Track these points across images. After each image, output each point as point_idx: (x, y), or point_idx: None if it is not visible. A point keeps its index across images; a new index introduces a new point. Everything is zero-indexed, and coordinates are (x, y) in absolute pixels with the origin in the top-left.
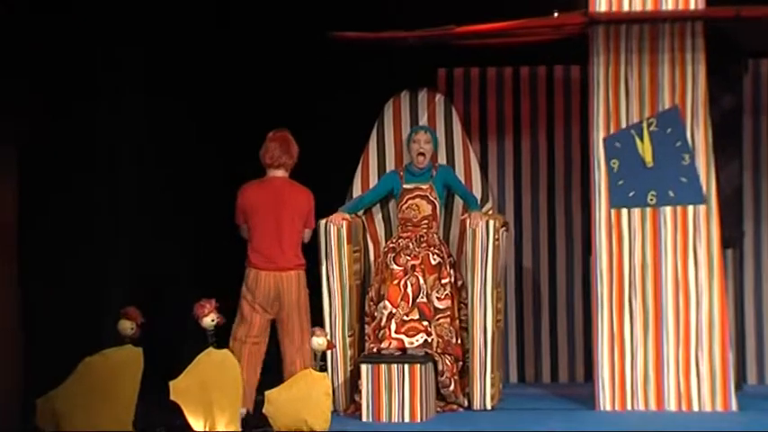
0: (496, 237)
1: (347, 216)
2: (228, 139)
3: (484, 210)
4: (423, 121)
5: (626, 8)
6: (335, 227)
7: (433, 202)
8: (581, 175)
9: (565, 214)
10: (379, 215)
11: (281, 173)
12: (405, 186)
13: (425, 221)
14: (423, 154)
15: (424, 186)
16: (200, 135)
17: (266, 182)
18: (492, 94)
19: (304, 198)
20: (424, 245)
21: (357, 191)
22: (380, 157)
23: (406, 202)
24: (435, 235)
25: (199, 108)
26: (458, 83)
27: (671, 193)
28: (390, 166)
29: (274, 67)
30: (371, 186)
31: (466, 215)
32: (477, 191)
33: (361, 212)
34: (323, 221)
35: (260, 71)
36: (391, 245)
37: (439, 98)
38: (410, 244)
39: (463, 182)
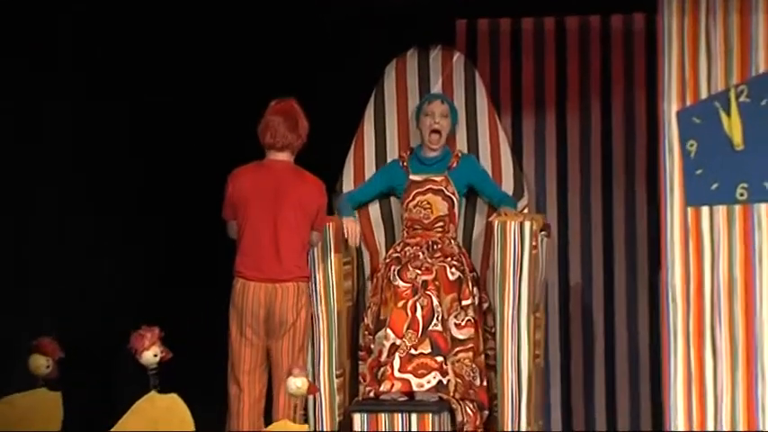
0: (534, 244)
1: (357, 227)
2: (209, 119)
3: (518, 208)
4: (436, 88)
5: None
6: (331, 229)
7: (449, 198)
8: (646, 163)
9: (625, 215)
10: (377, 214)
11: (284, 156)
12: (412, 178)
13: (440, 224)
14: (437, 131)
15: (437, 178)
16: (178, 115)
17: (265, 167)
18: (528, 52)
19: (314, 190)
20: (439, 255)
21: (348, 185)
22: (379, 139)
23: (413, 199)
24: (453, 241)
25: (175, 81)
26: (483, 38)
27: None
28: (392, 150)
29: (256, 28)
30: (366, 176)
31: (494, 215)
32: (508, 183)
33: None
34: None
35: (238, 32)
36: (395, 254)
37: (458, 59)
38: (420, 253)
39: (490, 171)
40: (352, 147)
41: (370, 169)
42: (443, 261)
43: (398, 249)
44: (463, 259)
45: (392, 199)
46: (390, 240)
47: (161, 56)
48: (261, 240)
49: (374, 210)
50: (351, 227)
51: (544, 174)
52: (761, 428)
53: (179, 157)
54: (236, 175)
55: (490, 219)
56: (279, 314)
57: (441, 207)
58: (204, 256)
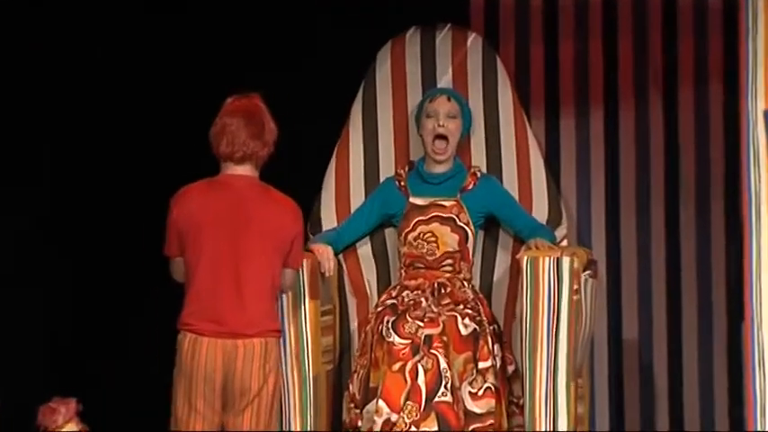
0: (575, 287)
1: (329, 248)
2: (143, 125)
3: (555, 240)
4: (444, 81)
5: None
6: (305, 267)
7: (462, 229)
8: (724, 176)
9: (697, 246)
10: (367, 248)
11: (246, 170)
12: (413, 201)
13: (449, 262)
14: (443, 137)
15: (446, 203)
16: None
17: (220, 185)
18: (567, 34)
19: (287, 215)
20: (448, 301)
21: (328, 215)
22: (369, 149)
23: (414, 229)
24: (467, 284)
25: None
26: (506, 14)
27: None
28: (387, 164)
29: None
30: (352, 202)
31: (523, 250)
32: (540, 208)
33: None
34: None
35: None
36: (390, 301)
37: (473, 42)
38: (423, 300)
39: (516, 191)
40: (333, 160)
41: (357, 191)
42: (453, 310)
43: (394, 294)
44: (480, 308)
45: (387, 232)
46: (384, 283)
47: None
48: (218, 282)
49: (362, 243)
50: (322, 251)
51: (589, 194)
52: None
53: (100, 178)
54: (182, 197)
55: (518, 255)
56: (240, 380)
57: (450, 240)
58: (135, 305)
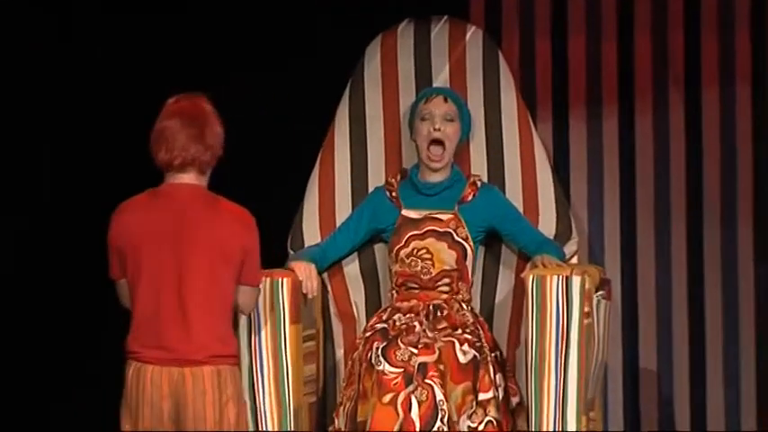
0: (587, 309)
1: (312, 266)
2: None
3: (564, 257)
4: (440, 80)
5: None
6: (286, 287)
7: (460, 245)
8: (753, 188)
9: (722, 265)
10: (354, 267)
11: (189, 178)
12: (406, 214)
13: (446, 281)
14: (439, 142)
15: (443, 216)
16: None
17: (162, 196)
18: (578, 27)
19: (236, 225)
20: (445, 326)
21: (310, 223)
22: (357, 155)
23: (407, 245)
24: (465, 307)
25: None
26: (510, 5)
27: None
28: (377, 173)
29: None
30: (338, 214)
31: (528, 267)
32: (547, 220)
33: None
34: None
35: None
36: (380, 325)
37: (473, 35)
38: (417, 323)
39: (521, 203)
40: (316, 168)
41: (343, 203)
42: (451, 335)
43: (385, 318)
44: (480, 333)
45: (376, 248)
46: (373, 305)
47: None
48: (160, 304)
49: (349, 261)
50: (304, 269)
51: (601, 206)
52: None
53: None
54: (120, 213)
55: (522, 274)
56: (193, 413)
57: (447, 258)
58: (78, 336)
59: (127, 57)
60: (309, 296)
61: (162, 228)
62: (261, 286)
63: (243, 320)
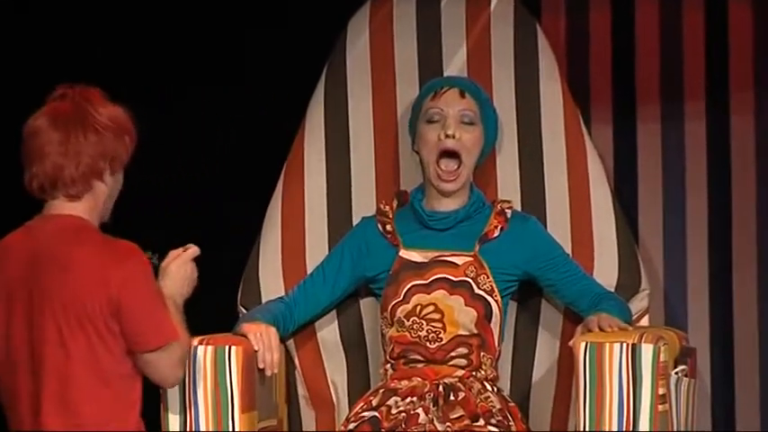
0: (662, 390)
1: (272, 329)
2: None
3: (630, 317)
4: (454, 66)
5: None
6: (234, 360)
7: (482, 299)
8: None
9: None
10: (332, 331)
11: (61, 205)
12: (405, 256)
13: (462, 351)
14: (454, 153)
15: (458, 259)
16: None
17: (28, 232)
18: None
19: (99, 271)
20: (461, 414)
21: (269, 269)
22: (335, 168)
23: (407, 300)
24: (490, 387)
25: None
26: None
27: None
28: (363, 194)
29: None
30: (308, 256)
31: (579, 331)
32: (606, 264)
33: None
34: (196, 342)
35: None
36: (368, 413)
37: (501, 2)
38: (421, 411)
39: (568, 239)
40: (279, 190)
41: (316, 240)
42: (470, 428)
43: (375, 403)
44: (512, 424)
45: (362, 299)
46: (359, 384)
47: None
48: (18, 384)
49: (327, 322)
50: (260, 334)
51: (683, 244)
52: None
53: None
54: None
55: (571, 341)
56: None
57: (463, 318)
58: None
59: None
60: (268, 373)
61: (15, 279)
62: (176, 345)
63: (174, 404)
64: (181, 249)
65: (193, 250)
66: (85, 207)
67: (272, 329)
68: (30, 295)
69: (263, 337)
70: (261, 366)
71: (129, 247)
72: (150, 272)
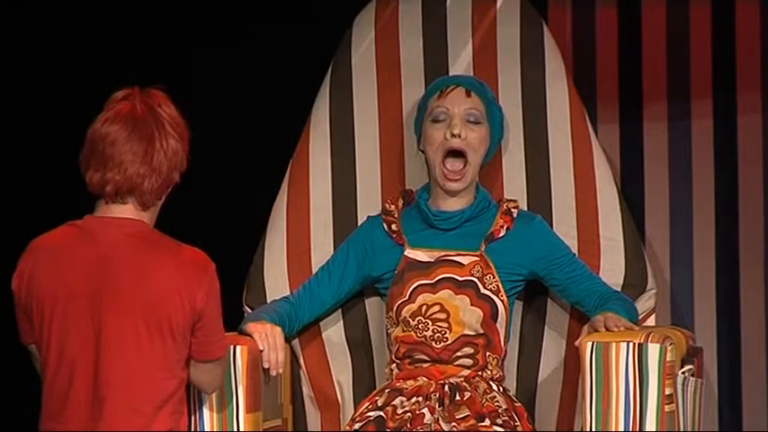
0: (668, 390)
1: (277, 329)
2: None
3: (637, 316)
4: (460, 64)
5: None
6: (240, 360)
7: (488, 299)
8: None
9: None
10: (337, 330)
11: (126, 210)
12: (411, 255)
13: (468, 351)
14: (460, 153)
15: (463, 259)
16: None
17: (83, 233)
18: None
19: (180, 279)
20: (466, 414)
21: (275, 269)
22: (340, 168)
23: (412, 299)
24: (496, 386)
25: None
26: None
27: None
28: (368, 195)
29: None
30: (314, 256)
31: (585, 330)
32: (612, 263)
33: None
34: None
35: None
36: (373, 413)
37: (507, 1)
38: (426, 410)
39: (575, 238)
40: (283, 191)
41: (321, 240)
42: (475, 427)
43: (380, 403)
44: (517, 424)
45: (367, 299)
46: (364, 384)
47: None
48: (71, 384)
49: (331, 322)
50: (265, 333)
51: (690, 243)
52: None
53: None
54: (30, 254)
55: (577, 341)
56: None
57: (469, 318)
58: None
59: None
60: (273, 373)
61: (78, 280)
62: (225, 356)
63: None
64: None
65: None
66: (150, 215)
67: (277, 329)
68: (97, 297)
69: (267, 337)
70: (266, 366)
71: (206, 258)
72: (215, 283)
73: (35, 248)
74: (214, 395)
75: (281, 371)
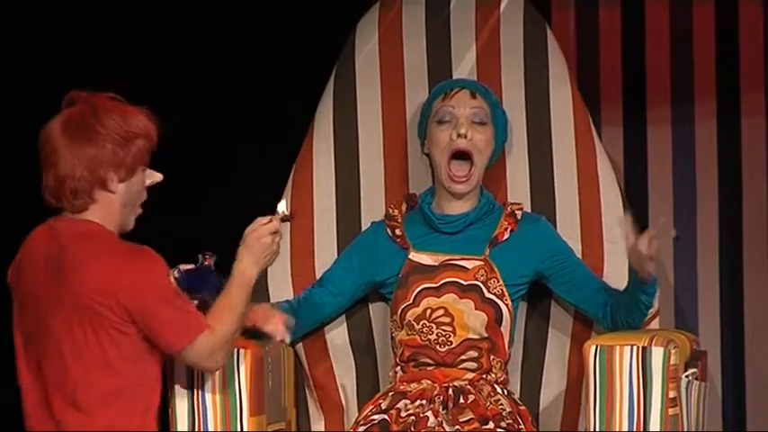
0: (672, 393)
1: (265, 304)
2: None
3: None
4: (464, 67)
5: None
6: (244, 361)
7: (493, 303)
8: None
9: None
10: (340, 334)
11: (66, 217)
12: (415, 259)
13: (472, 355)
14: (465, 155)
15: (468, 263)
16: None
17: (55, 230)
18: None
19: (108, 275)
20: (470, 417)
21: (279, 273)
22: (344, 172)
23: (417, 303)
24: (500, 390)
25: None
26: None
27: None
28: (372, 198)
29: None
30: (317, 259)
31: (639, 247)
32: (615, 266)
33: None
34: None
35: None
36: (377, 416)
37: (511, 3)
38: (430, 414)
39: (578, 241)
40: (287, 191)
41: (325, 243)
42: (479, 429)
43: (384, 406)
44: (522, 427)
45: (372, 303)
46: (367, 388)
47: None
48: (33, 382)
49: (335, 325)
50: (263, 312)
51: (693, 246)
52: None
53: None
54: (21, 249)
55: (585, 344)
56: None
57: (473, 322)
58: None
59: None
60: (285, 340)
61: (37, 278)
62: (204, 337)
63: (183, 407)
64: (267, 218)
65: (275, 224)
66: (99, 216)
67: (264, 304)
68: (46, 295)
69: (269, 316)
70: (277, 336)
71: (139, 252)
72: (162, 273)
73: (25, 242)
74: (218, 398)
75: (286, 340)
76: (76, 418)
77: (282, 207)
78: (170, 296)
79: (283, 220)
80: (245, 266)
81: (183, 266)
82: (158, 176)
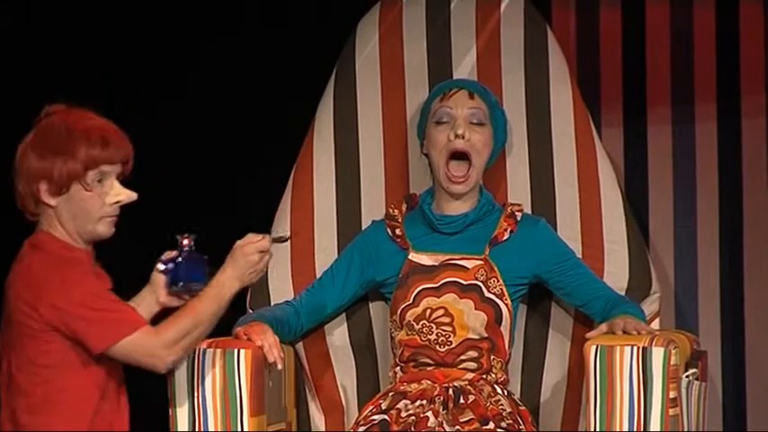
0: (672, 394)
1: (264, 328)
2: None
3: (644, 319)
4: (464, 67)
5: None
6: (244, 363)
7: (492, 303)
8: None
9: None
10: (341, 334)
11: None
12: (414, 259)
13: (472, 354)
14: (464, 155)
15: (468, 263)
16: None
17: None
18: None
19: (24, 282)
20: (470, 417)
21: (279, 272)
22: (344, 172)
23: (416, 303)
24: (500, 390)
25: None
26: None
27: None
28: (373, 199)
29: None
30: (317, 260)
31: (591, 334)
32: (616, 266)
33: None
34: (204, 346)
35: None
36: (377, 416)
37: (511, 3)
38: (430, 414)
39: (578, 242)
40: (287, 195)
41: (325, 244)
42: (479, 429)
43: (385, 407)
44: (522, 427)
45: (372, 303)
46: (368, 388)
47: None
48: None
49: (335, 326)
50: (260, 332)
51: (694, 246)
52: None
53: None
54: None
55: (589, 334)
56: None
57: (473, 322)
58: None
59: None
60: (279, 366)
61: (5, 290)
62: (141, 335)
63: (183, 408)
64: (260, 236)
65: (264, 243)
66: (47, 226)
67: (264, 326)
68: (5, 306)
69: (259, 336)
70: (271, 360)
71: (67, 262)
72: (85, 280)
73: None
74: (218, 399)
75: (280, 365)
76: (17, 426)
77: (279, 231)
78: (91, 300)
79: (275, 240)
80: (227, 279)
81: (166, 255)
82: (124, 197)
